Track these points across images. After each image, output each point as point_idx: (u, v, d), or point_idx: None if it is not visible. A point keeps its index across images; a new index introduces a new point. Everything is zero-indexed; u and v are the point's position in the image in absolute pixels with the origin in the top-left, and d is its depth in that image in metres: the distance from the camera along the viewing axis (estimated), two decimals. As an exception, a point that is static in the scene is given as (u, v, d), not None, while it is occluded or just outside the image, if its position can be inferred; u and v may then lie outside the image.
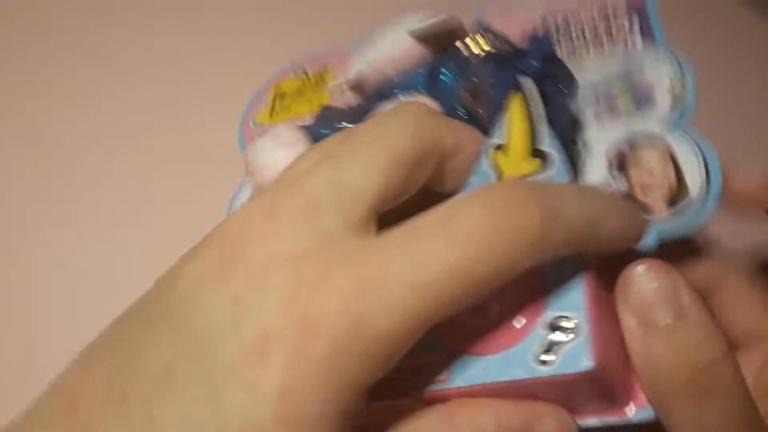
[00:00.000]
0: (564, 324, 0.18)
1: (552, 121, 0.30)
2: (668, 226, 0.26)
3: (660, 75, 0.30)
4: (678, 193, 0.27)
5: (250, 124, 0.37)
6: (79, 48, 0.45)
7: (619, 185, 0.28)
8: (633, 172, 0.28)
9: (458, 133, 0.21)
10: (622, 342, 0.19)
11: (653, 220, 0.27)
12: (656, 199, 0.27)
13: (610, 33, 0.33)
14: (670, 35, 0.40)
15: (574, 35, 0.34)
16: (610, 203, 0.19)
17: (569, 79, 0.32)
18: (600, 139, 0.30)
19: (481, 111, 0.30)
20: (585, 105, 0.32)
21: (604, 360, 0.17)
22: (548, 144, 0.22)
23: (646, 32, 0.32)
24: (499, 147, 0.23)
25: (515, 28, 0.35)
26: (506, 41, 0.32)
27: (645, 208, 0.27)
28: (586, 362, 0.17)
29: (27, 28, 0.45)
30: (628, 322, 0.18)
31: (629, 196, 0.28)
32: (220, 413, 0.14)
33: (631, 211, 0.21)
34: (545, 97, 0.29)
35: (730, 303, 0.21)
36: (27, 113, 0.43)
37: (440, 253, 0.15)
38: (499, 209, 0.16)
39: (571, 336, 0.17)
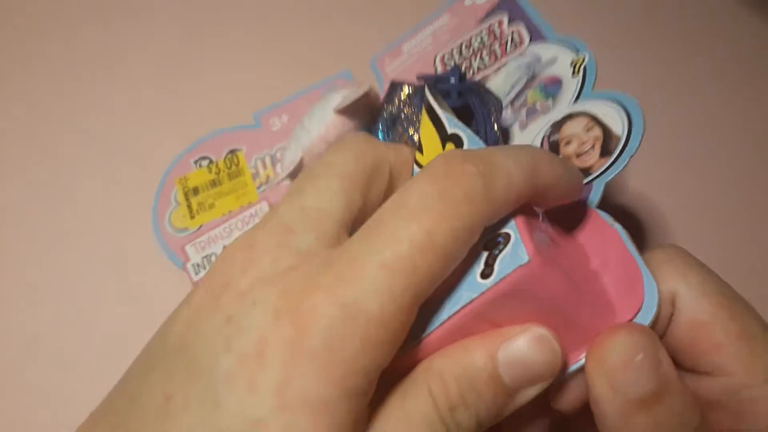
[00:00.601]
0: (498, 240, 0.18)
1: (480, 128, 0.32)
2: (610, 170, 0.27)
3: (559, 60, 0.33)
4: (608, 141, 0.28)
5: (169, 229, 0.38)
6: (78, 49, 0.46)
7: (557, 164, 0.29)
8: (566, 149, 0.29)
9: (400, 151, 0.22)
10: (570, 267, 0.19)
11: (597, 176, 0.28)
12: (593, 158, 0.28)
13: (502, 46, 0.36)
14: (670, 35, 0.45)
15: (475, 64, 0.37)
16: (543, 153, 0.20)
17: (488, 94, 0.34)
18: (533, 142, 0.32)
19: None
20: (509, 123, 0.34)
21: (541, 258, 0.17)
22: (453, 125, 0.23)
23: (533, 30, 0.35)
24: (419, 149, 0.24)
25: (413, 73, 0.38)
26: (430, 77, 0.36)
27: (588, 171, 0.28)
28: (523, 257, 0.17)
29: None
30: (602, 390, 0.18)
31: (569, 169, 0.29)
32: (220, 420, 0.15)
33: (565, 162, 0.21)
34: (471, 109, 0.33)
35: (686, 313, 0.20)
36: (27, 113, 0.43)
37: (403, 231, 0.16)
38: (440, 177, 0.17)
39: (506, 245, 0.18)
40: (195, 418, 0.16)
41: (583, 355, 0.19)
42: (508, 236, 0.18)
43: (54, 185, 0.41)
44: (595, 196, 0.27)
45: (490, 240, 0.18)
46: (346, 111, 0.33)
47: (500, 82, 0.35)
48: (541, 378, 0.18)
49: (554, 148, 0.30)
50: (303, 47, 0.43)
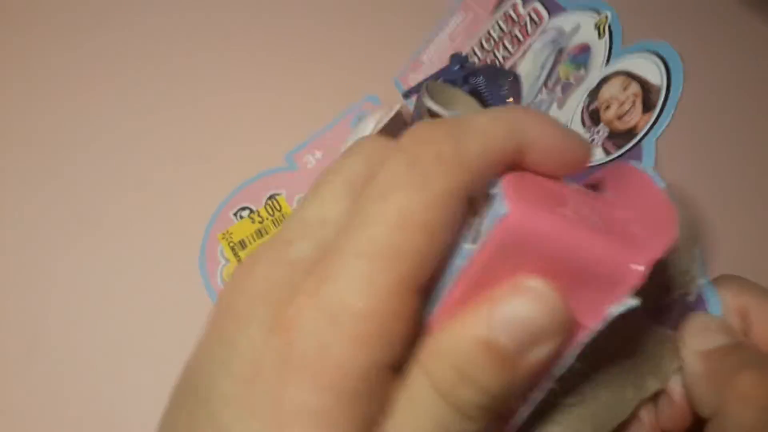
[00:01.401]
0: (485, 203, 0.18)
1: (495, 105, 0.32)
2: (656, 125, 0.26)
3: (582, 27, 0.32)
4: (648, 94, 0.26)
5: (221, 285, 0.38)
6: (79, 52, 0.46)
7: (602, 133, 0.28)
8: (605, 114, 0.28)
9: None
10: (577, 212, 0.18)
11: (644, 136, 0.26)
12: (636, 116, 0.27)
13: (522, 29, 0.35)
14: (670, 36, 0.45)
15: (499, 54, 0.37)
16: (530, 111, 0.19)
17: (499, 70, 0.34)
18: (573, 117, 0.31)
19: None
20: (547, 103, 0.33)
21: (526, 208, 0.16)
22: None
23: (550, 4, 0.34)
24: None
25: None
26: (432, 76, 0.37)
27: (633, 132, 0.27)
28: (501, 210, 0.16)
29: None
30: (692, 360, 0.22)
31: (614, 134, 0.28)
32: None
33: (560, 123, 0.20)
34: (479, 89, 0.33)
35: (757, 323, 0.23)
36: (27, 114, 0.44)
37: (376, 213, 0.16)
38: (407, 148, 0.17)
39: (491, 204, 0.17)
40: None
41: (611, 304, 0.17)
42: (494, 196, 0.17)
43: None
44: (648, 157, 0.26)
45: (481, 205, 0.18)
46: (382, 134, 0.33)
47: (529, 66, 0.35)
48: (543, 332, 0.17)
49: (595, 116, 0.29)
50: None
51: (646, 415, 0.24)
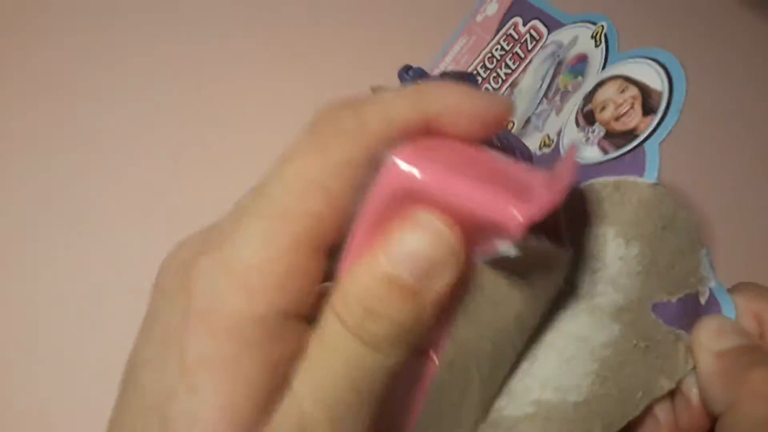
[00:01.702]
0: None
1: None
2: (660, 129, 0.26)
3: (580, 38, 0.33)
4: (648, 98, 0.27)
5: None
6: (86, 51, 0.47)
7: (598, 133, 0.29)
8: (601, 115, 0.29)
9: None
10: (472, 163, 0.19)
11: (647, 138, 0.27)
12: (635, 118, 0.27)
13: (523, 47, 0.36)
14: (670, 36, 0.45)
15: (501, 72, 0.37)
16: (438, 83, 0.20)
17: (447, 74, 0.35)
18: (568, 120, 0.31)
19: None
20: (547, 112, 0.34)
21: (410, 157, 0.18)
22: None
23: (549, 21, 0.35)
24: None
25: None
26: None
27: (633, 133, 0.27)
28: (388, 158, 0.18)
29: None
30: (706, 358, 0.23)
31: (611, 135, 0.28)
32: (144, 399, 0.17)
33: (470, 89, 0.21)
34: None
35: None
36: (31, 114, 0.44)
37: (276, 176, 0.18)
38: (313, 122, 0.19)
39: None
40: (129, 406, 0.18)
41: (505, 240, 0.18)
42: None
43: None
44: (651, 160, 0.26)
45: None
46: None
47: (530, 80, 0.36)
48: (437, 261, 0.18)
49: (590, 117, 0.29)
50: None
51: (663, 416, 0.24)
